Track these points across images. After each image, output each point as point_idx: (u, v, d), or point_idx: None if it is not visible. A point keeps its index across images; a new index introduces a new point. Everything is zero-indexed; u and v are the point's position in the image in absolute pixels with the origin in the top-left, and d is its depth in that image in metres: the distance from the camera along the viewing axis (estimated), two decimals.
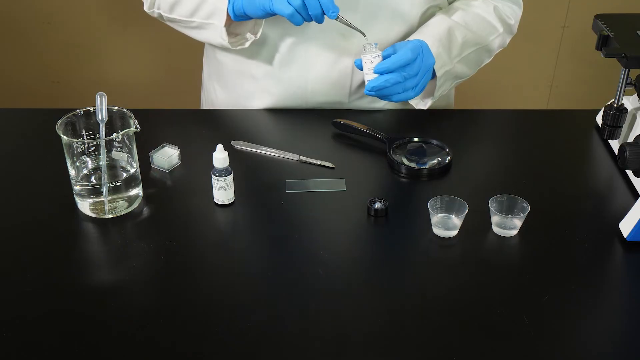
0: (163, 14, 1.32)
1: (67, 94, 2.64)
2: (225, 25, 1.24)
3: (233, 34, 1.29)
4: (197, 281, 0.98)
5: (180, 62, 2.50)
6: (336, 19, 1.15)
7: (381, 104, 1.38)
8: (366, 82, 1.19)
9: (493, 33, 1.35)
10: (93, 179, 1.10)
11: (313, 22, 1.15)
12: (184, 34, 1.35)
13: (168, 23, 1.35)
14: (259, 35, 1.27)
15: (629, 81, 1.20)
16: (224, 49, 1.38)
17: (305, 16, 1.13)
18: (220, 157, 1.08)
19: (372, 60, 1.18)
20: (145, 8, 1.34)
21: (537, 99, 2.75)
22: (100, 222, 1.08)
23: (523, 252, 1.04)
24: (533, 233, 1.06)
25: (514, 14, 1.39)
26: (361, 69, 1.19)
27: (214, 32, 1.26)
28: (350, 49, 1.30)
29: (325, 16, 1.14)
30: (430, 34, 1.26)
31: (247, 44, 1.28)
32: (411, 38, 1.26)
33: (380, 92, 1.19)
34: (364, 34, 1.19)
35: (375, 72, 1.17)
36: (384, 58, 1.18)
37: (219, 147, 1.09)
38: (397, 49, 1.21)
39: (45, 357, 0.86)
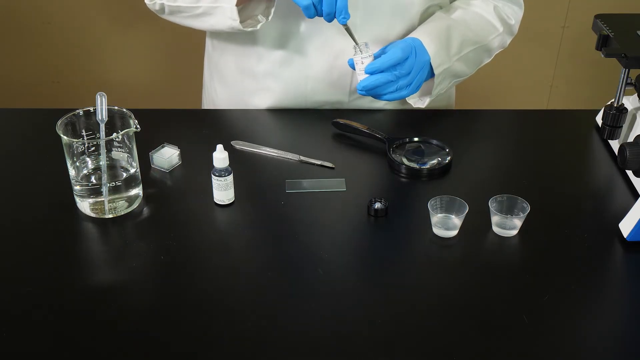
0: (166, 3, 1.29)
1: (67, 94, 2.64)
2: (237, 5, 1.21)
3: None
4: (197, 281, 0.98)
5: (180, 62, 2.50)
6: (343, 25, 1.16)
7: (381, 104, 1.38)
8: (358, 82, 1.20)
9: (493, 32, 1.35)
10: (93, 179, 1.10)
11: (316, 20, 1.16)
12: (187, 26, 1.33)
13: (169, 17, 1.33)
14: (270, 18, 1.25)
15: (629, 81, 1.20)
16: (223, 44, 1.38)
17: (319, 10, 1.14)
18: (220, 157, 1.08)
19: (362, 61, 1.19)
20: (147, 0, 1.33)
21: (537, 99, 2.75)
22: (100, 222, 1.08)
23: (523, 252, 1.04)
24: (533, 233, 1.06)
25: (515, 14, 1.39)
26: (354, 69, 1.21)
27: (221, 15, 1.24)
28: (351, 49, 1.30)
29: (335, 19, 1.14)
30: (427, 32, 1.26)
31: (259, 26, 1.26)
32: (408, 37, 1.26)
33: (372, 92, 1.20)
34: (357, 45, 1.19)
35: (366, 72, 1.19)
36: (376, 58, 1.19)
37: (219, 147, 1.09)
38: (388, 49, 1.21)
39: (45, 356, 0.86)
